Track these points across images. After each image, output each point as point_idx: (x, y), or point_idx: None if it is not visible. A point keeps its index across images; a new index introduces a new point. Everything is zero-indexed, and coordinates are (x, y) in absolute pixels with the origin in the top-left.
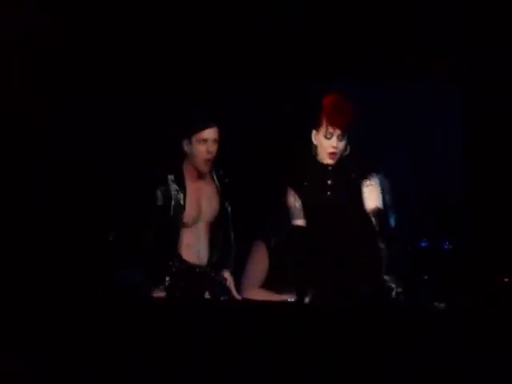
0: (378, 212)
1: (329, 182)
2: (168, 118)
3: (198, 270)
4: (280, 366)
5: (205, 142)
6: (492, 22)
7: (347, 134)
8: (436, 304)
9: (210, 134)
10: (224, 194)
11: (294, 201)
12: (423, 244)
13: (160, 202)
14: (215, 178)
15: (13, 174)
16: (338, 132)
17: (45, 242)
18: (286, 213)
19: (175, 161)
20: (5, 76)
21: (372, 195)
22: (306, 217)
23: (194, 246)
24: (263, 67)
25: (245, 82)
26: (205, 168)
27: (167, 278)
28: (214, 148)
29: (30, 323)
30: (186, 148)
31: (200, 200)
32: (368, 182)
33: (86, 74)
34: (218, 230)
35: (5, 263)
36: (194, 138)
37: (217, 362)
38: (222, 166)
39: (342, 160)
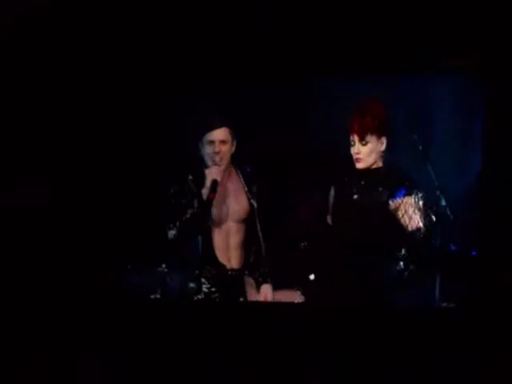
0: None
1: (357, 185)
2: (170, 119)
3: (230, 273)
4: (280, 367)
5: (212, 144)
6: (497, 20)
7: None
8: (444, 305)
9: (217, 135)
10: (250, 192)
11: (331, 198)
12: (453, 248)
13: (183, 201)
14: (241, 176)
15: (13, 174)
16: (357, 138)
17: (45, 241)
18: None
19: (195, 161)
20: (5, 76)
21: (405, 214)
22: (333, 214)
23: (225, 248)
24: (263, 68)
25: (246, 82)
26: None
27: (202, 282)
28: (221, 149)
29: (29, 323)
30: (201, 150)
31: (226, 198)
32: (399, 200)
33: (86, 74)
34: (247, 230)
35: (5, 263)
36: (204, 140)
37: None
38: (247, 164)
39: (381, 169)
